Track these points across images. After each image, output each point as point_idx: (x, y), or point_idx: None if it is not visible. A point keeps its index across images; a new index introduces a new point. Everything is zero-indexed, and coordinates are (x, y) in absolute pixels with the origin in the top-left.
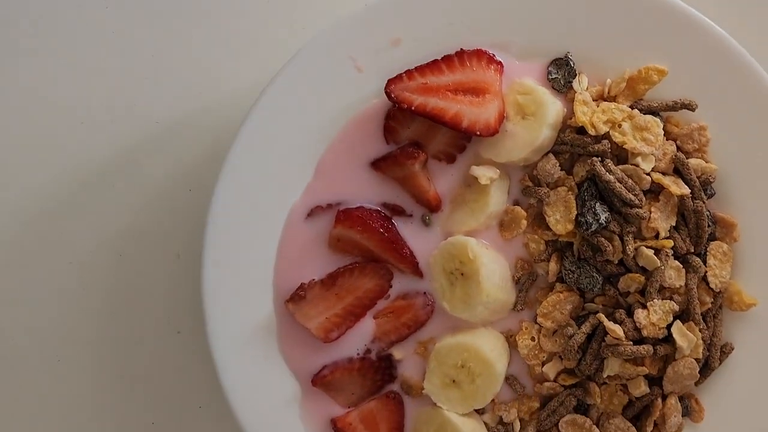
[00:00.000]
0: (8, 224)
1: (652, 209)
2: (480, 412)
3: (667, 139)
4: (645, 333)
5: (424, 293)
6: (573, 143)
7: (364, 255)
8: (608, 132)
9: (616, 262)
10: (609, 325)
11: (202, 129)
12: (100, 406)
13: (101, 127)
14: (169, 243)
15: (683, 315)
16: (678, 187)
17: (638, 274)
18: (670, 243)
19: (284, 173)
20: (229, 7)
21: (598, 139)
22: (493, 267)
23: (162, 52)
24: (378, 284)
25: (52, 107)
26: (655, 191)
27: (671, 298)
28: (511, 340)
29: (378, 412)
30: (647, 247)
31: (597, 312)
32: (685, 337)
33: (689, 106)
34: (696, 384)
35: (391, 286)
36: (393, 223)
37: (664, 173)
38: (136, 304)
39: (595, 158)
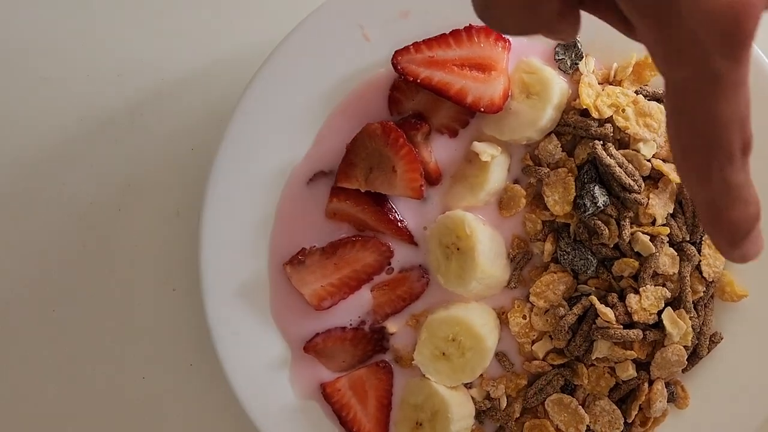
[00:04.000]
0: (7, 173)
1: (651, 195)
2: (468, 386)
3: None
4: (636, 318)
5: (420, 266)
6: (576, 125)
7: (361, 225)
8: (612, 116)
9: (612, 246)
10: (601, 308)
11: (207, 89)
12: (92, 357)
13: (107, 81)
14: (168, 200)
15: (675, 302)
16: (677, 175)
17: (632, 260)
18: (667, 230)
19: (287, 137)
20: None
21: (601, 122)
22: (489, 243)
23: (171, 9)
24: (377, 260)
25: (57, 58)
26: (654, 178)
27: (664, 285)
28: (502, 317)
29: (367, 380)
30: (643, 233)
31: (589, 294)
32: (676, 324)
33: None
34: (683, 371)
35: (389, 264)
36: (388, 197)
37: (664, 160)
38: (133, 258)
39: (597, 141)
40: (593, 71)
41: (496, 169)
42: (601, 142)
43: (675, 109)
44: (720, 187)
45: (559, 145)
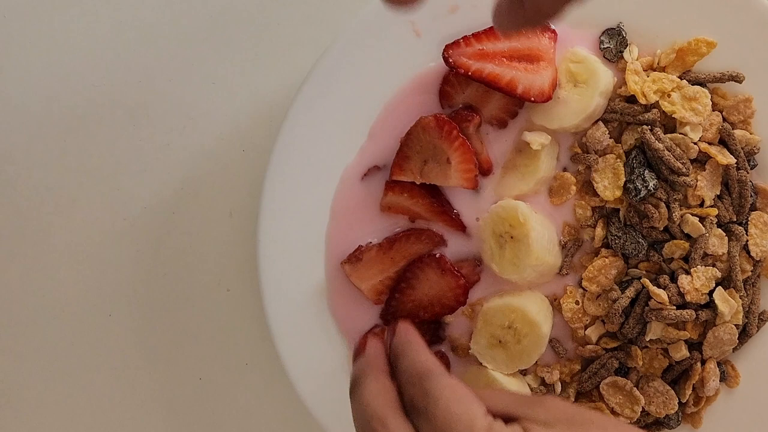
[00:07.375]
0: (64, 181)
1: (699, 178)
2: (523, 373)
3: (713, 110)
4: (688, 298)
5: (473, 256)
6: (623, 112)
7: (414, 217)
8: (658, 101)
9: (662, 228)
10: (654, 289)
11: (256, 90)
12: (148, 360)
13: (158, 86)
14: (221, 202)
15: (724, 282)
16: (724, 157)
17: (683, 241)
18: (715, 211)
19: (340, 134)
20: None
21: (647, 108)
22: (541, 230)
23: (221, 13)
24: (431, 252)
25: (110, 66)
26: (701, 161)
27: (714, 265)
28: (555, 303)
29: None
30: (692, 214)
31: (641, 277)
32: (727, 303)
33: (737, 78)
34: (733, 350)
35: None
36: (441, 188)
37: (710, 143)
38: (187, 260)
39: (644, 126)
40: (637, 58)
41: (546, 157)
42: (649, 127)
43: None
44: None
45: (607, 132)
